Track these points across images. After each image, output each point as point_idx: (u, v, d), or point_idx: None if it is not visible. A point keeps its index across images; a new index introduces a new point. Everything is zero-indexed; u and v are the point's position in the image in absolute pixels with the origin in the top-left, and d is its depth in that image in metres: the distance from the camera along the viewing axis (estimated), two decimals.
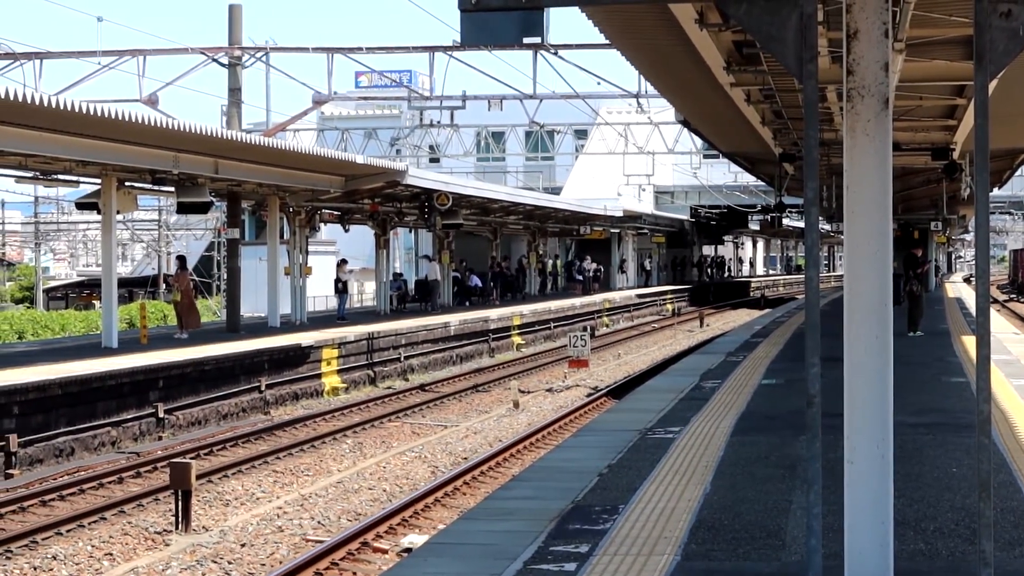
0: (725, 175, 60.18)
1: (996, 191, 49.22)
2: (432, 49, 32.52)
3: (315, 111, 43.73)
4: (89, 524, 13.16)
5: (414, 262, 55.72)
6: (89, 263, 78.53)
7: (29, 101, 16.74)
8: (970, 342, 21.83)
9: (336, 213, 34.33)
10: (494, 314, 35.76)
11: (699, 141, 45.39)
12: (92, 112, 17.94)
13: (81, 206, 26.46)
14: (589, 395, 23.89)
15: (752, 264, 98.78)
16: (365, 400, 23.58)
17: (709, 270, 76.16)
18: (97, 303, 46.78)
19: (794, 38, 5.41)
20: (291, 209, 30.29)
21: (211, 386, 21.19)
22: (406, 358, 28.61)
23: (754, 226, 73.73)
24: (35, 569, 11.58)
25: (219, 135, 22.17)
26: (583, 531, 8.06)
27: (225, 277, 32.61)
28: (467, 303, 41.49)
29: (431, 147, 58.05)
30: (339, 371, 25.51)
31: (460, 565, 7.37)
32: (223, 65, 32.01)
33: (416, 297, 41.19)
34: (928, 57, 15.61)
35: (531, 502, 9.05)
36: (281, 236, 31.40)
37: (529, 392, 25.17)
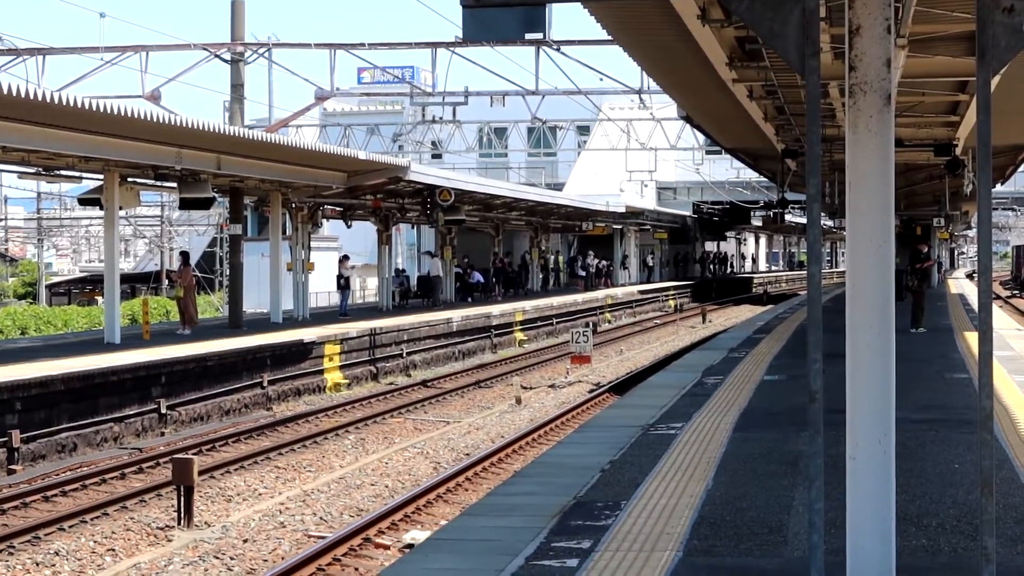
0: (727, 171, 60.14)
1: (999, 187, 49.20)
2: (434, 45, 32.44)
3: (317, 107, 43.67)
4: (91, 520, 13.17)
5: (416, 258, 55.69)
6: (92, 259, 78.53)
7: (32, 97, 16.73)
8: (973, 338, 21.81)
9: (338, 209, 34.32)
10: (496, 310, 35.76)
11: (701, 137, 45.40)
12: (95, 108, 17.94)
13: (84, 202, 26.45)
14: (591, 391, 23.90)
15: (754, 260, 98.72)
16: (367, 396, 23.59)
17: (711, 266, 76.14)
18: (100, 299, 46.75)
19: (796, 34, 5.40)
20: (293, 205, 30.30)
21: (213, 382, 21.20)
22: (408, 354, 28.62)
23: (756, 222, 73.67)
24: (37, 565, 11.59)
25: (221, 131, 22.17)
26: (585, 527, 8.05)
27: (227, 273, 32.63)
28: (469, 299, 41.47)
29: (433, 143, 58.04)
30: (341, 367, 25.52)
31: (462, 561, 7.37)
32: (225, 61, 31.95)
33: (418, 293, 41.17)
34: (931, 53, 15.58)
35: (533, 498, 9.05)
36: (283, 232, 31.40)
37: (531, 388, 25.17)
